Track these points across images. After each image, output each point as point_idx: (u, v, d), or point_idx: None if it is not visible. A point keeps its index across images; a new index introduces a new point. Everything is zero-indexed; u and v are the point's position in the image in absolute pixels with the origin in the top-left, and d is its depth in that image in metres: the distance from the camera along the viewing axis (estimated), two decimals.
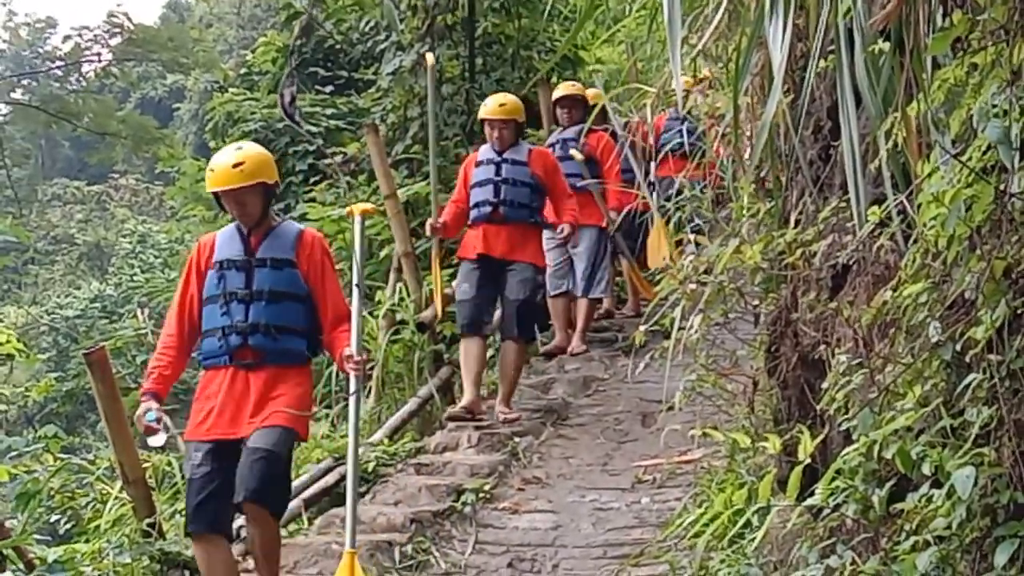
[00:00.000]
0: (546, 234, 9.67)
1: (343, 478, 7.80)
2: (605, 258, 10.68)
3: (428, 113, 9.60)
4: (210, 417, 5.82)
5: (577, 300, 10.59)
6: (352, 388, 5.94)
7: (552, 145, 10.53)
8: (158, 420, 5.71)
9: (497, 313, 9.11)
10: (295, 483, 7.66)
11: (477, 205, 8.91)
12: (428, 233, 8.99)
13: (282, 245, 5.98)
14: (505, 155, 8.93)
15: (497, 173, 8.90)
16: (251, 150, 6.08)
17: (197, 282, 6.02)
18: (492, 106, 9.08)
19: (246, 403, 5.81)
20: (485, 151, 9.11)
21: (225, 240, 6.05)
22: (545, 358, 10.41)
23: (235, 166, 5.83)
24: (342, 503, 7.42)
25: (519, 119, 9.05)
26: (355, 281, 6.08)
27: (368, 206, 6.71)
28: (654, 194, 10.55)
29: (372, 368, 9.08)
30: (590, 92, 11.31)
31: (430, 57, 9.68)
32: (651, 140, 10.89)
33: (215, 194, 6.00)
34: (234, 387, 5.84)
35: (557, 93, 10.88)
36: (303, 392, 5.98)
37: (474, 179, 9.00)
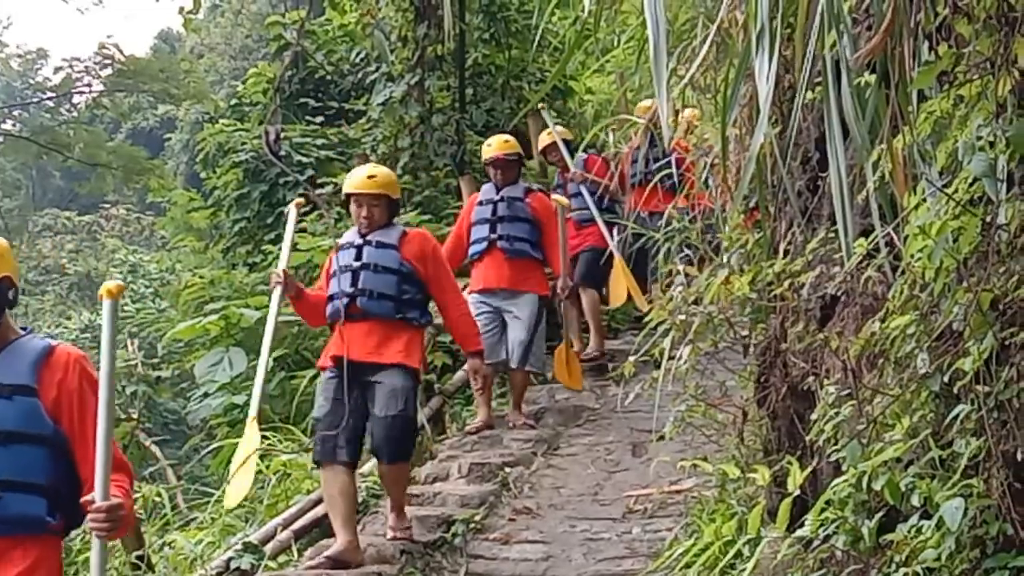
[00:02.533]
0: (473, 297, 9.02)
1: None
2: (543, 326, 9.43)
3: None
4: None
5: (510, 371, 9.45)
6: (94, 552, 4.04)
7: (493, 202, 9.47)
8: None
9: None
10: (284, 515, 7.64)
11: (333, 298, 7.19)
12: (270, 284, 7.46)
13: (18, 366, 4.13)
14: (370, 237, 7.20)
15: (358, 257, 7.17)
16: None
17: None
18: (359, 178, 7.27)
19: None
20: (349, 235, 7.41)
21: None
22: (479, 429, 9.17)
23: None
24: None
25: (393, 195, 7.30)
26: (103, 388, 4.07)
27: (118, 284, 4.68)
28: (614, 231, 10.67)
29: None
30: (557, 131, 11.20)
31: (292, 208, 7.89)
32: (614, 172, 10.94)
33: None
34: None
35: (486, 153, 9.70)
36: None
37: (334, 266, 7.31)
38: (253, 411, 7.22)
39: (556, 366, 9.88)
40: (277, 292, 7.22)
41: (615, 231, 10.74)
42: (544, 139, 11.26)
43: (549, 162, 11.70)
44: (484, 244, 9.38)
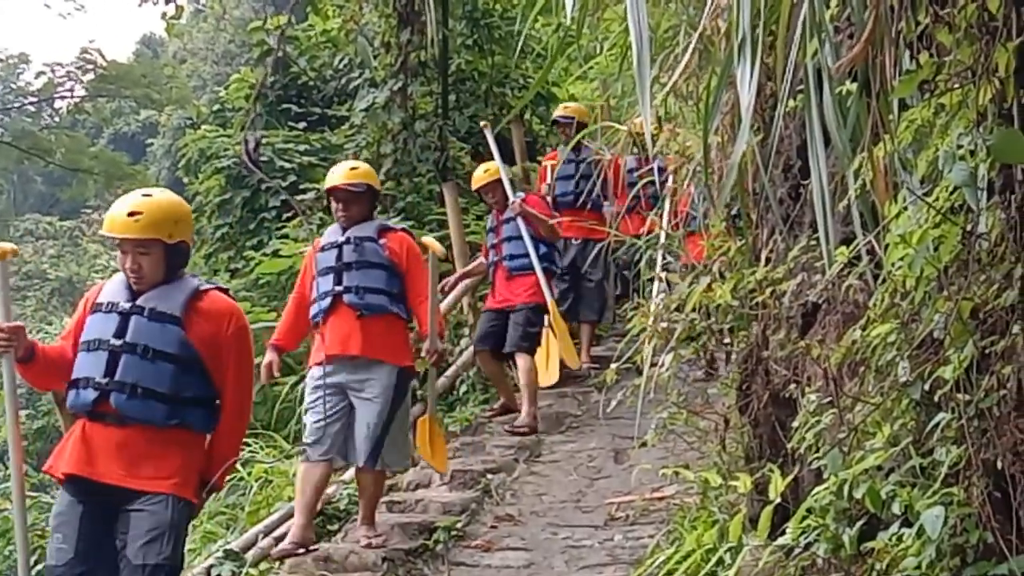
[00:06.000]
0: (312, 373, 7.23)
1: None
2: (406, 406, 7.33)
3: None
4: None
5: (357, 471, 7.30)
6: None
7: (337, 246, 7.30)
8: None
9: None
10: (265, 522, 7.61)
11: (76, 385, 5.04)
12: None
13: None
14: (143, 300, 5.06)
15: (120, 332, 5.01)
16: None
17: None
18: (118, 216, 5.06)
19: None
20: (115, 287, 5.19)
21: None
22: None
23: None
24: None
25: (169, 238, 5.05)
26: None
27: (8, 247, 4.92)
28: (553, 283, 9.87)
29: None
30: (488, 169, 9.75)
31: None
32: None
33: None
34: None
35: (328, 182, 7.46)
36: None
37: (85, 334, 5.11)
38: None
39: (419, 440, 7.83)
40: (6, 361, 4.95)
41: (553, 283, 9.82)
42: (480, 177, 9.83)
43: (487, 203, 10.05)
44: (328, 300, 7.21)
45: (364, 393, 7.04)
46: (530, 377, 9.40)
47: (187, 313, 5.05)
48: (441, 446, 7.93)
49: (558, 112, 11.20)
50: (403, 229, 7.66)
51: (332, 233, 7.43)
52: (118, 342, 4.98)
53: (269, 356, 7.22)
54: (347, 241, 7.26)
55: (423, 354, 7.48)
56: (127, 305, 5.05)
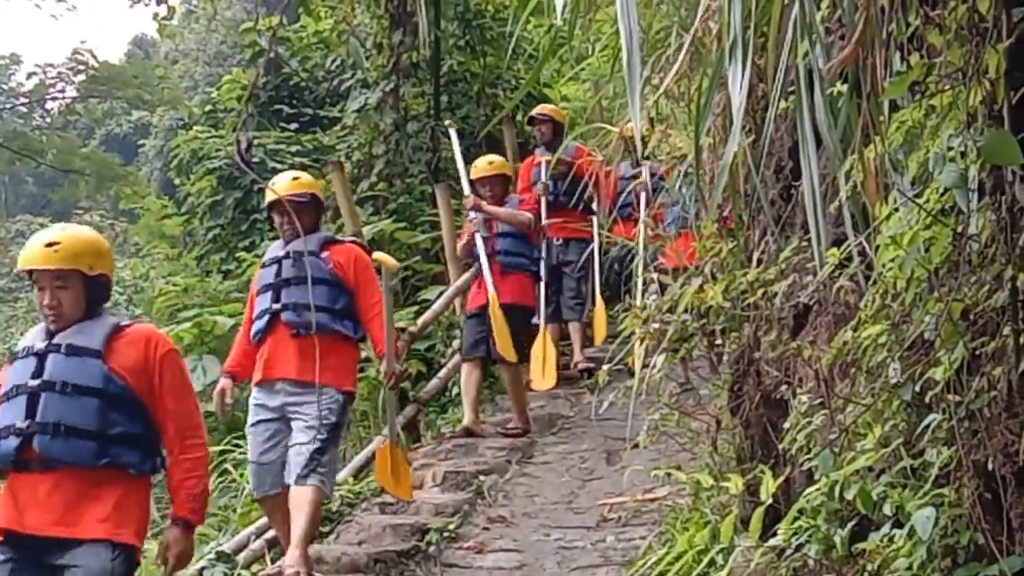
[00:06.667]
0: (252, 398, 6.79)
1: None
2: (336, 436, 6.71)
3: None
4: None
5: (291, 489, 6.54)
6: None
7: (277, 261, 6.89)
8: None
9: None
10: (257, 524, 7.60)
11: None
12: None
13: None
14: (60, 337, 4.83)
15: (38, 372, 4.77)
16: None
17: None
18: (35, 249, 4.87)
19: None
20: (34, 333, 4.96)
21: None
22: None
23: None
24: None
25: (90, 270, 4.86)
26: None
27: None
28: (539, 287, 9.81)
29: None
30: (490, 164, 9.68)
31: None
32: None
33: None
34: None
35: (269, 195, 6.95)
36: None
37: (7, 379, 4.87)
38: None
39: (378, 468, 7.44)
40: None
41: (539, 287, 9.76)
42: (482, 167, 9.62)
43: (482, 195, 9.50)
44: (265, 319, 6.77)
45: (301, 416, 6.53)
46: (516, 385, 9.21)
47: (107, 346, 4.78)
48: (405, 473, 7.47)
49: (536, 110, 11.21)
50: (352, 240, 7.31)
51: (274, 248, 7.04)
52: (36, 382, 4.70)
53: (222, 383, 6.82)
54: (286, 256, 6.83)
55: (381, 376, 7.18)
56: (42, 345, 4.80)
